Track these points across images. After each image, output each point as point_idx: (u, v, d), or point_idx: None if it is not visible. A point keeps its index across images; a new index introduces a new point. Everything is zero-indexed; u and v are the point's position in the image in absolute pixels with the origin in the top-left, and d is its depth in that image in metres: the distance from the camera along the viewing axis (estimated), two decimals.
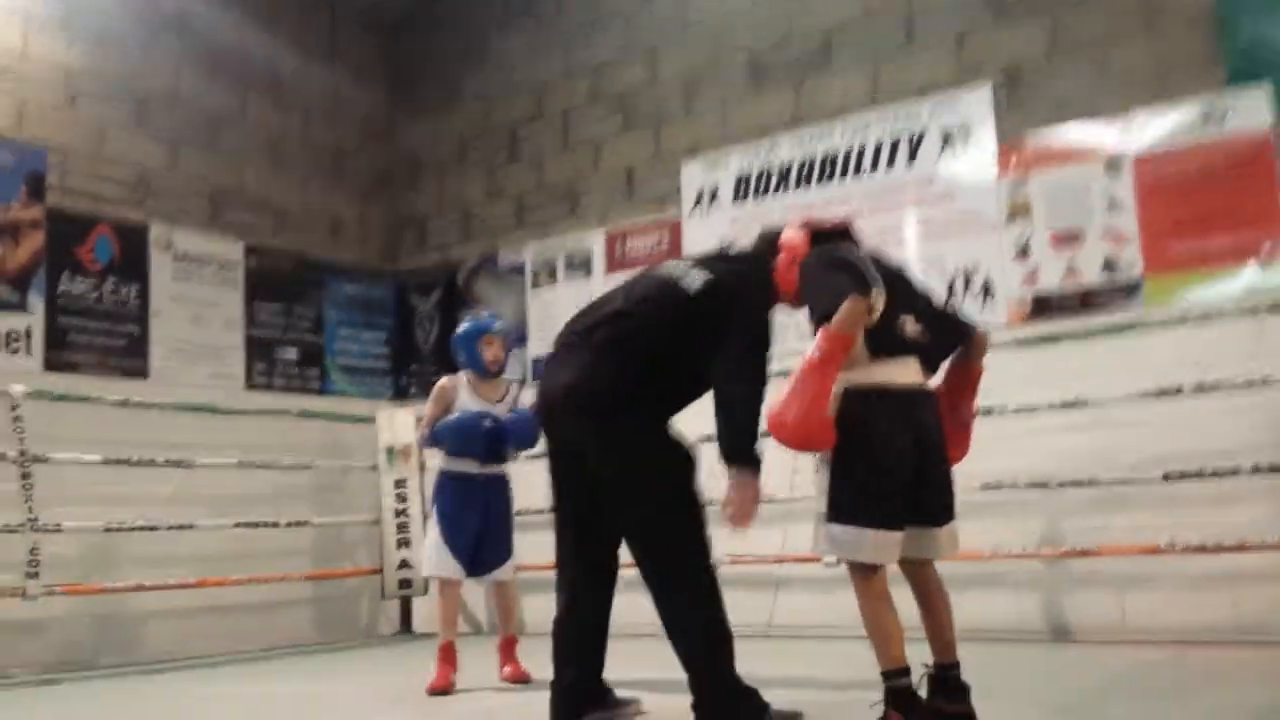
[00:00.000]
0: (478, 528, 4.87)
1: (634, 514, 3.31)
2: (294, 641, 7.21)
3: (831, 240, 3.34)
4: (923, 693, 3.10)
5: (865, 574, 3.09)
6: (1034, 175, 6.09)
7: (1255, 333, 5.25)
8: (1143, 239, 5.73)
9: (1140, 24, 5.88)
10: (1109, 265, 5.81)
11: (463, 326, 5.10)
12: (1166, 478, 5.21)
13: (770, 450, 6.43)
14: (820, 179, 6.84)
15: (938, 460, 3.13)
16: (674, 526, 3.32)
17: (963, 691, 3.12)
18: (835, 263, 3.12)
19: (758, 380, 3.23)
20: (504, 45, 8.41)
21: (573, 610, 3.52)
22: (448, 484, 4.93)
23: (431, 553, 4.88)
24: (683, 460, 3.39)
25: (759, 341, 3.28)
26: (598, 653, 3.54)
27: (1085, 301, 5.85)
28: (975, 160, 6.30)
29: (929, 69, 6.53)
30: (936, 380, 3.30)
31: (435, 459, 5.18)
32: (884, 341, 3.05)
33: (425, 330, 8.54)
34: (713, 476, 3.41)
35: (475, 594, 7.83)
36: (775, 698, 3.40)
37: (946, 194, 6.40)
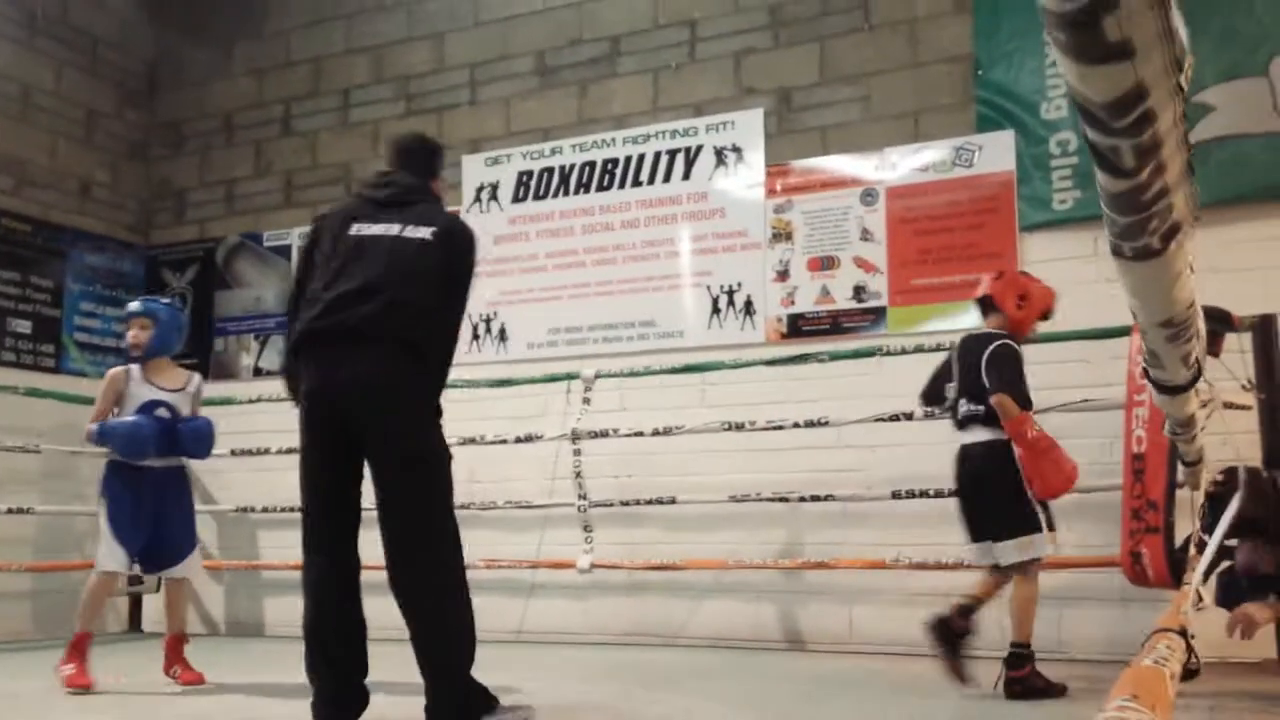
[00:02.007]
0: (151, 522, 4.69)
1: (415, 509, 3.31)
2: (10, 636, 6.68)
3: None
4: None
5: None
6: (796, 200, 6.32)
7: None
8: (890, 269, 6.05)
9: (903, 61, 6.20)
10: (858, 292, 6.10)
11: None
12: (895, 496, 5.52)
13: (530, 459, 6.47)
14: (600, 185, 6.87)
15: (969, 496, 4.34)
16: (448, 526, 3.36)
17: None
18: None
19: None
20: (282, 14, 8.04)
21: (332, 609, 3.38)
22: (117, 475, 4.71)
23: (102, 546, 4.68)
24: (450, 461, 3.45)
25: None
26: (362, 654, 3.43)
27: (836, 325, 6.13)
28: (745, 180, 6.49)
29: (708, 86, 6.68)
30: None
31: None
32: (954, 420, 4.42)
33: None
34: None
35: (213, 594, 7.48)
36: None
37: (717, 211, 6.56)
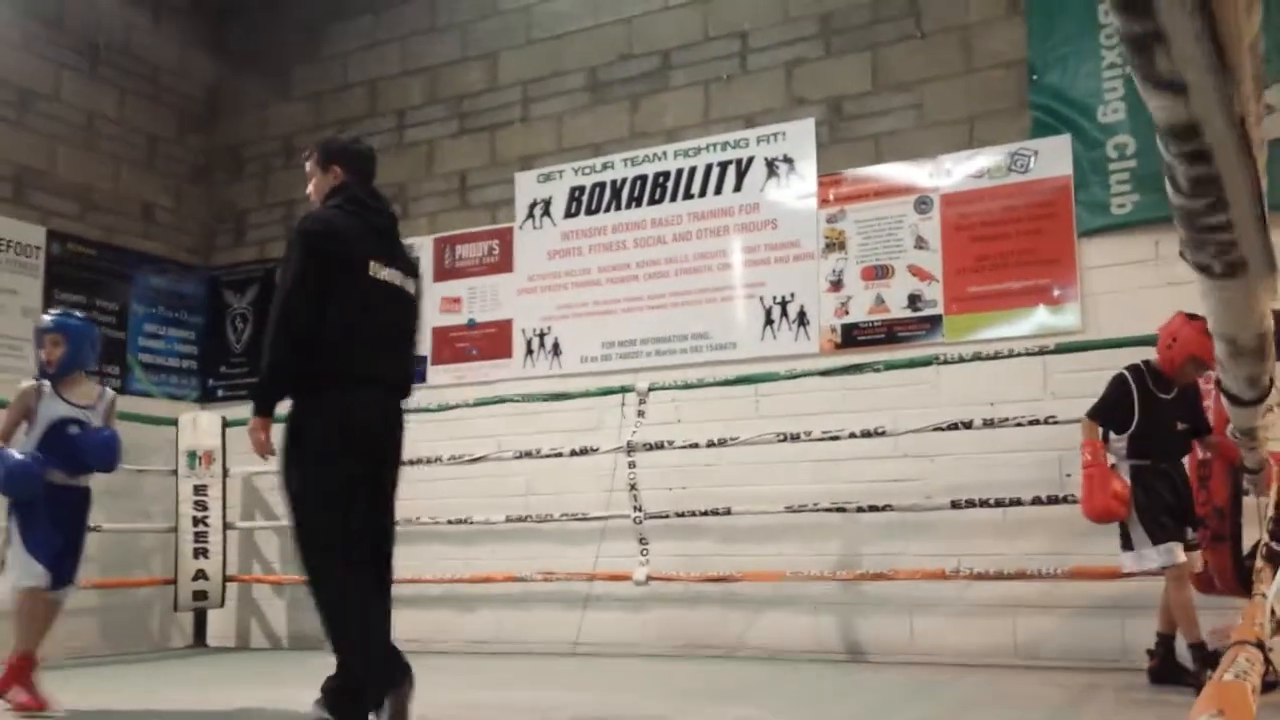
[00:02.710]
0: (62, 540, 4.56)
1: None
2: (80, 652, 6.81)
3: None
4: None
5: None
6: (849, 210, 6.29)
7: (1042, 373, 5.55)
8: (945, 277, 5.99)
9: (956, 68, 6.15)
10: (914, 300, 6.04)
11: None
12: (955, 506, 5.45)
13: (585, 472, 6.50)
14: (652, 199, 6.90)
15: None
16: None
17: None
18: None
19: None
20: (338, 38, 8.18)
21: (388, 620, 3.55)
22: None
23: (18, 563, 4.49)
24: None
25: None
26: None
27: (891, 334, 6.07)
28: (797, 191, 6.47)
29: (759, 97, 6.67)
30: None
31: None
32: None
33: (238, 330, 8.20)
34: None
35: (276, 608, 7.58)
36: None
37: (769, 222, 6.54)
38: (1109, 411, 4.64)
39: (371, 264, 3.58)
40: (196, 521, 7.00)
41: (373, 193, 3.75)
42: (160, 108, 8.16)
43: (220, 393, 8.08)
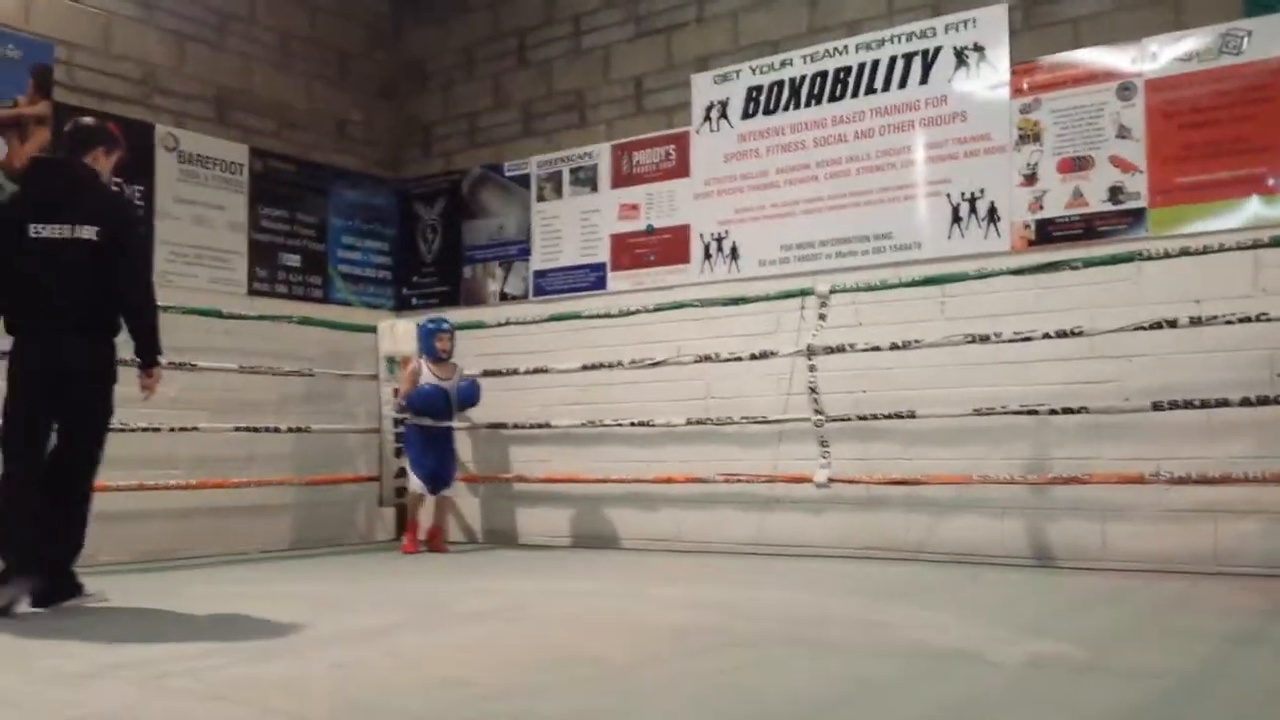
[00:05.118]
0: (434, 463, 7.08)
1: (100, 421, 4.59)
2: (292, 545, 7.35)
3: None
4: None
5: None
6: (1045, 99, 5.97)
7: (1253, 267, 5.20)
8: (1150, 167, 5.64)
9: None
10: (1115, 193, 5.73)
11: (426, 324, 7.23)
12: (1156, 408, 5.21)
13: (765, 375, 6.51)
14: (832, 96, 6.73)
15: None
16: None
17: None
18: None
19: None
20: None
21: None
22: (414, 433, 7.11)
23: (410, 476, 7.12)
24: None
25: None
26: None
27: (1089, 229, 5.78)
28: (988, 81, 6.18)
29: None
30: None
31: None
32: None
33: (428, 241, 8.50)
34: None
35: (470, 503, 7.97)
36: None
37: (957, 114, 6.29)
38: None
39: (31, 226, 4.27)
40: (397, 423, 7.38)
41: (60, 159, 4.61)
42: (349, 24, 8.41)
43: (415, 301, 8.44)
